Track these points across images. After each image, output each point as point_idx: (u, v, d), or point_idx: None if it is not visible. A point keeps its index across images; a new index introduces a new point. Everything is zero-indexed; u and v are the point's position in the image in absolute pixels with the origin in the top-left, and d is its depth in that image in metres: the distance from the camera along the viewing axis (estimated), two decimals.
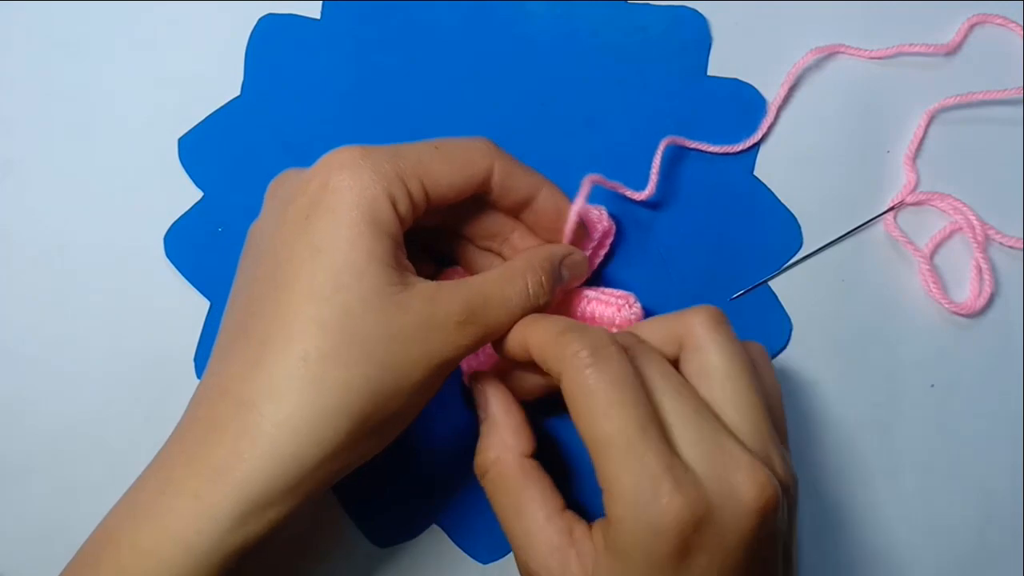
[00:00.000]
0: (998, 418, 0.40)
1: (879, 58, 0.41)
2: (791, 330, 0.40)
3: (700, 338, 0.31)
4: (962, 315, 0.40)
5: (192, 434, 0.30)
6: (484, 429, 0.34)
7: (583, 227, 0.37)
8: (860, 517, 0.40)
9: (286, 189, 0.32)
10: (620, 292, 0.38)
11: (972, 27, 0.41)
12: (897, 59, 0.41)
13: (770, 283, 0.40)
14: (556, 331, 0.30)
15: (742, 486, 0.28)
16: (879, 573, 0.40)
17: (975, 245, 0.40)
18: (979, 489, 0.40)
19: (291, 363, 0.29)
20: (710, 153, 0.40)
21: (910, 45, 0.41)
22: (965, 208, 0.40)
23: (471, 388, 0.35)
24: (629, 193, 0.39)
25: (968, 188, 0.41)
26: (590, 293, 0.38)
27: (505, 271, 0.33)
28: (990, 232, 0.40)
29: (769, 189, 0.41)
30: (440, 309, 0.30)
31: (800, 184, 0.41)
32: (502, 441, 0.33)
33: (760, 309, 0.40)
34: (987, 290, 0.40)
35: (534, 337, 0.31)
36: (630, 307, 0.37)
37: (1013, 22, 0.41)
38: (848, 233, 0.40)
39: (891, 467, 0.40)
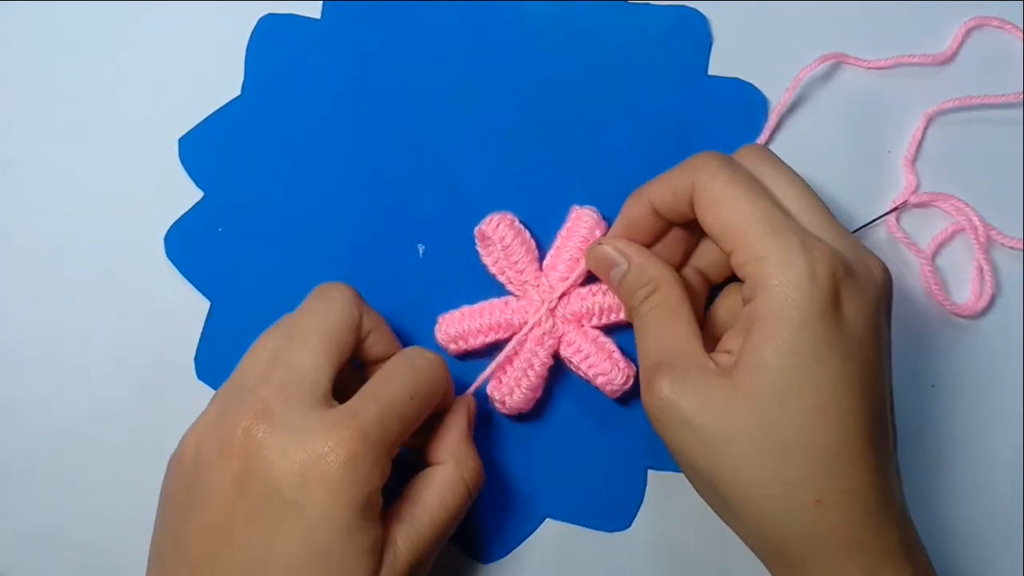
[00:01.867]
0: (998, 418, 0.40)
1: (878, 68, 0.41)
2: None
3: (716, 192, 0.32)
4: (963, 316, 0.40)
5: None
6: (632, 274, 0.35)
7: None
8: None
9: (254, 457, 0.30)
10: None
11: (970, 31, 0.41)
12: (897, 63, 0.41)
13: None
14: (682, 165, 0.34)
15: (871, 261, 0.32)
16: None
17: (977, 246, 0.40)
18: (979, 489, 0.40)
19: None
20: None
21: (909, 56, 0.40)
22: (968, 209, 0.40)
23: (595, 256, 0.36)
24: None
25: (970, 190, 0.41)
26: (582, 291, 0.38)
27: (447, 490, 0.33)
28: (992, 233, 0.40)
29: None
30: None
31: None
32: (656, 270, 0.35)
33: None
34: (988, 291, 0.40)
35: (664, 180, 0.35)
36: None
37: (1011, 24, 0.41)
38: (850, 234, 0.40)
39: None
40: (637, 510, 0.39)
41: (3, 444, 0.40)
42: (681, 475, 0.39)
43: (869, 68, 0.41)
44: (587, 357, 0.38)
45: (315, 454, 0.29)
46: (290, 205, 0.41)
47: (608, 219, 0.39)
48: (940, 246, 0.41)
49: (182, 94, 0.41)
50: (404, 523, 0.32)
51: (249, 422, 0.30)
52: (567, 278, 0.38)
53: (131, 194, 0.41)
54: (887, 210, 0.40)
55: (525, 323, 0.38)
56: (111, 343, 0.40)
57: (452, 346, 0.38)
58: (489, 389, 0.38)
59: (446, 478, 0.33)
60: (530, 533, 0.39)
